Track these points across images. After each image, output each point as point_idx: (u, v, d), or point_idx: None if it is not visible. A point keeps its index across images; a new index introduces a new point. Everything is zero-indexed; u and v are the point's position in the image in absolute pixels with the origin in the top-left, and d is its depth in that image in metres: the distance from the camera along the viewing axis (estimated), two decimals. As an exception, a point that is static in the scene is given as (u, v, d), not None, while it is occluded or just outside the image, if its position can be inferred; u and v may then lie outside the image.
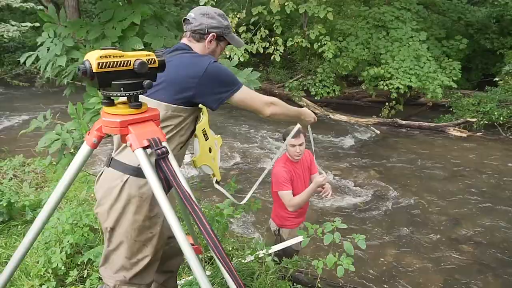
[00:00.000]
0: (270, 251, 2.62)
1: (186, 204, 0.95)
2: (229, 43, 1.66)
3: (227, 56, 7.86)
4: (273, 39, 8.22)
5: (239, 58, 7.73)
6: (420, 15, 10.16)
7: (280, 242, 2.90)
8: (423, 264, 4.10)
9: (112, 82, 0.94)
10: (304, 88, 9.62)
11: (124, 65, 0.95)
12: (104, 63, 0.91)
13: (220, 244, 0.96)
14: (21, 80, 11.22)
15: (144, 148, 0.95)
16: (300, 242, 2.76)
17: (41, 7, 8.87)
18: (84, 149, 0.99)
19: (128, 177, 1.35)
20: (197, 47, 1.58)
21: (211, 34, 1.54)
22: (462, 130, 8.34)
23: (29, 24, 6.26)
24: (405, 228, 4.82)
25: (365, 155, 7.54)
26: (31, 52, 2.68)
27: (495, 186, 6.07)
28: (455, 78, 8.68)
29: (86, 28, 2.68)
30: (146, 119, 1.00)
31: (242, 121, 9.07)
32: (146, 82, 0.98)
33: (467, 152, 7.50)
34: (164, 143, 0.99)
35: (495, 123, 8.44)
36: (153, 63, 1.01)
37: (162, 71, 1.06)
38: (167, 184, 0.99)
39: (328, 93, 9.26)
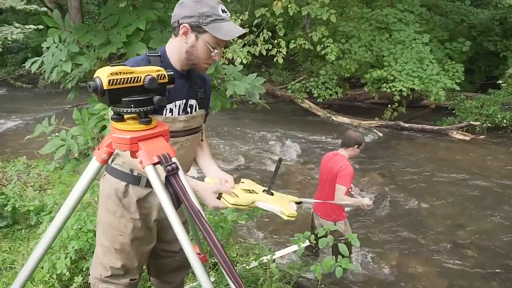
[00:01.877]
0: (274, 257, 2.62)
1: (195, 220, 0.95)
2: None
3: (230, 59, 7.86)
4: (275, 41, 8.22)
5: (241, 61, 7.73)
6: (423, 17, 10.13)
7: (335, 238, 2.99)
8: (426, 269, 4.09)
9: (122, 99, 0.94)
10: (307, 90, 9.62)
11: (135, 81, 0.95)
12: (115, 80, 0.91)
13: (229, 259, 0.96)
14: (24, 81, 11.26)
15: (154, 164, 0.95)
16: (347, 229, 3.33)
17: (45, 8, 8.88)
18: (94, 165, 0.99)
19: (105, 174, 1.46)
20: (174, 44, 1.39)
21: (182, 26, 1.32)
22: (465, 133, 8.32)
23: (32, 27, 6.25)
24: (408, 231, 4.81)
25: (367, 157, 7.53)
26: (36, 58, 2.69)
27: (498, 189, 6.05)
28: (458, 81, 8.65)
29: (91, 33, 2.68)
30: (156, 134, 1.00)
31: (244, 123, 9.07)
32: (156, 98, 0.97)
33: (470, 155, 7.48)
34: (174, 159, 0.98)
35: (499, 126, 8.42)
36: (163, 78, 1.01)
37: (172, 85, 1.06)
38: (177, 200, 0.99)
39: (330, 95, 9.26)
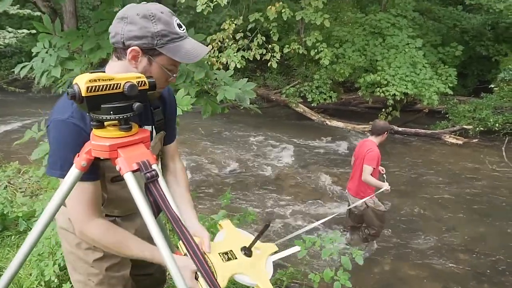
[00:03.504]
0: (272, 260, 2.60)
1: (175, 228, 0.95)
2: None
3: (224, 64, 7.87)
4: (270, 45, 8.25)
5: (236, 65, 7.74)
6: (416, 22, 10.21)
7: (372, 213, 4.04)
8: (419, 272, 4.10)
9: (102, 106, 0.93)
10: (301, 95, 9.64)
11: (114, 88, 0.95)
12: (93, 87, 0.91)
13: (210, 269, 0.96)
14: (17, 86, 11.19)
15: (134, 171, 0.95)
16: (379, 204, 4.09)
17: (39, 13, 8.86)
18: (73, 172, 0.98)
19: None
20: (117, 68, 1.12)
21: (130, 49, 1.08)
22: (458, 137, 8.38)
23: (25, 31, 6.25)
24: (400, 234, 4.82)
25: (361, 161, 7.54)
26: (26, 63, 2.68)
27: (490, 193, 6.09)
28: (451, 85, 8.72)
29: (81, 38, 2.68)
30: (136, 141, 0.99)
31: (239, 128, 9.08)
32: (136, 104, 0.97)
33: (463, 159, 7.52)
34: (154, 166, 0.98)
35: (491, 130, 8.48)
36: (144, 85, 1.01)
37: (153, 91, 1.06)
38: (157, 207, 0.98)
39: (324, 99, 9.29)
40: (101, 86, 0.92)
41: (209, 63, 7.88)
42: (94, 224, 1.14)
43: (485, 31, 10.58)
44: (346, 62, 8.88)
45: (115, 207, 1.32)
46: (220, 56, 8.03)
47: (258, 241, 1.30)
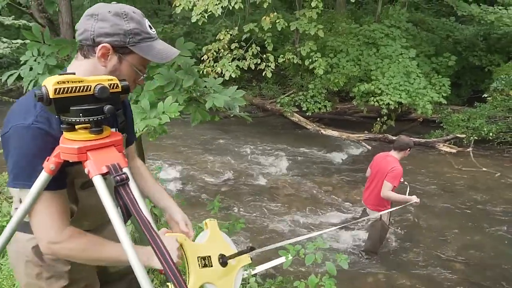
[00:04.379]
0: (254, 272, 2.58)
1: (145, 232, 0.92)
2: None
3: (219, 73, 7.90)
4: (264, 55, 8.30)
5: (230, 75, 7.78)
6: (409, 32, 10.34)
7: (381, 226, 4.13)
8: (415, 281, 4.06)
9: (71, 108, 0.92)
10: (296, 104, 9.67)
11: (84, 90, 0.93)
12: (62, 89, 0.90)
13: (182, 276, 0.93)
14: (12, 96, 11.17)
15: (103, 175, 0.93)
16: (388, 220, 4.20)
17: (35, 23, 8.90)
18: (42, 175, 0.97)
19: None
20: (85, 67, 1.10)
21: (101, 46, 1.06)
22: (452, 146, 8.39)
23: (19, 41, 6.26)
24: (395, 244, 4.79)
25: (356, 170, 7.53)
26: (13, 71, 2.68)
27: (484, 202, 6.07)
28: (444, 94, 8.78)
29: (70, 46, 2.68)
30: (108, 144, 0.98)
31: (233, 137, 9.07)
32: (107, 107, 0.96)
33: (456, 168, 7.52)
34: (125, 169, 0.96)
35: (485, 139, 8.50)
36: (116, 88, 1.00)
37: (127, 95, 1.05)
38: (127, 212, 0.96)
39: (319, 108, 9.32)
40: (70, 88, 0.91)
41: (205, 72, 7.92)
42: (66, 234, 1.07)
43: (478, 41, 10.70)
44: (340, 71, 8.94)
45: (85, 218, 1.23)
46: (216, 65, 8.07)
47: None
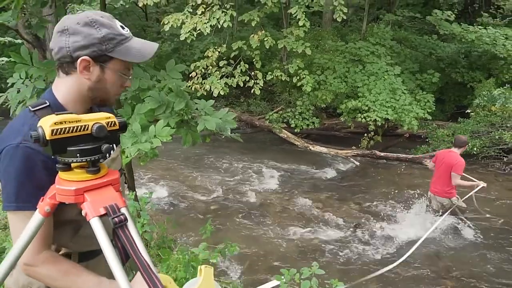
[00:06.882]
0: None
1: (145, 276, 0.90)
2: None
3: (208, 91, 7.91)
4: (253, 73, 8.37)
5: (219, 92, 7.79)
6: (394, 50, 10.59)
7: (450, 212, 5.15)
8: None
9: (68, 148, 0.90)
10: (285, 120, 9.73)
11: (81, 130, 0.91)
12: (59, 130, 0.88)
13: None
14: (-5, 113, 10.95)
15: (101, 216, 0.91)
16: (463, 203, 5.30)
17: (21, 40, 8.81)
18: (36, 218, 0.93)
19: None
20: (67, 85, 1.08)
21: (80, 60, 1.03)
22: (438, 161, 8.53)
23: (5, 59, 6.18)
24: (386, 260, 4.78)
25: (345, 186, 7.57)
26: (0, 94, 2.62)
27: (471, 216, 6.14)
28: (429, 110, 8.97)
29: (59, 69, 2.64)
30: (105, 184, 0.95)
31: (222, 153, 9.03)
32: (105, 146, 0.94)
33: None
34: (123, 210, 0.94)
35: (469, 154, 8.66)
36: (113, 126, 0.98)
37: (124, 132, 1.03)
38: (125, 253, 0.93)
39: (307, 125, 9.39)
40: (67, 129, 0.89)
41: (193, 89, 7.92)
42: (40, 259, 1.03)
43: (459, 59, 11.02)
44: (327, 88, 9.06)
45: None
46: (204, 83, 8.09)
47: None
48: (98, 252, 1.23)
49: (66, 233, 1.14)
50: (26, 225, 0.96)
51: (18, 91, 2.61)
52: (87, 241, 1.15)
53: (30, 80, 2.63)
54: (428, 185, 7.48)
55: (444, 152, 5.35)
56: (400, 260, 4.10)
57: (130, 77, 1.15)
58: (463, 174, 5.08)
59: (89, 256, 1.23)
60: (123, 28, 1.09)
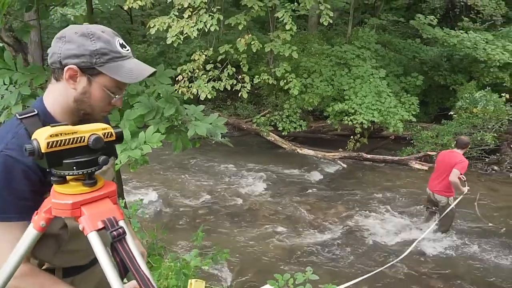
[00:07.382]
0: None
1: (143, 289, 0.88)
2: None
3: (195, 94, 7.86)
4: (240, 76, 8.36)
5: (206, 96, 7.76)
6: (378, 53, 10.75)
7: (446, 211, 5.15)
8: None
9: (64, 161, 0.87)
10: (272, 123, 9.74)
11: (78, 141, 0.89)
12: (55, 142, 0.85)
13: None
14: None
15: (99, 230, 0.88)
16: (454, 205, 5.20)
17: (1, 44, 8.57)
18: (31, 233, 0.90)
19: None
20: (55, 92, 1.09)
21: (67, 68, 1.03)
22: (423, 163, 8.68)
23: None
24: (374, 263, 4.83)
25: (332, 189, 7.63)
26: (-17, 100, 2.54)
27: (456, 216, 6.26)
28: (414, 112, 9.13)
29: (44, 74, 2.59)
30: (102, 197, 0.93)
31: (210, 157, 8.98)
32: (101, 158, 0.92)
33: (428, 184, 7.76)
34: (121, 223, 0.92)
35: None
36: (110, 136, 0.97)
37: (121, 143, 1.01)
38: (124, 267, 0.91)
39: (295, 128, 9.42)
40: (63, 141, 0.86)
41: (180, 92, 7.86)
42: (19, 271, 0.97)
43: (442, 62, 11.27)
44: (314, 91, 9.13)
45: (78, 244, 1.09)
46: (191, 86, 8.03)
47: None
48: (84, 267, 1.23)
49: (48, 248, 1.10)
50: (5, 237, 0.94)
51: (2, 97, 2.53)
52: (70, 256, 1.14)
53: (14, 86, 2.56)
54: (413, 185, 7.60)
55: (446, 152, 5.44)
56: (396, 260, 4.13)
57: (118, 96, 1.11)
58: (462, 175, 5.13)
59: (73, 272, 1.20)
60: (123, 47, 1.08)
